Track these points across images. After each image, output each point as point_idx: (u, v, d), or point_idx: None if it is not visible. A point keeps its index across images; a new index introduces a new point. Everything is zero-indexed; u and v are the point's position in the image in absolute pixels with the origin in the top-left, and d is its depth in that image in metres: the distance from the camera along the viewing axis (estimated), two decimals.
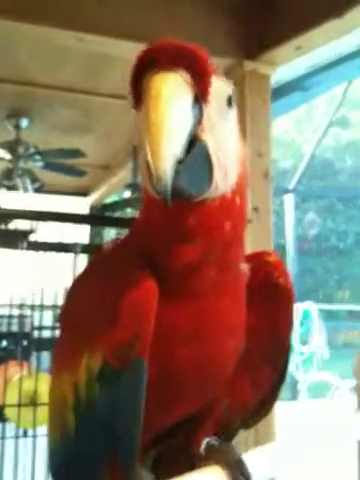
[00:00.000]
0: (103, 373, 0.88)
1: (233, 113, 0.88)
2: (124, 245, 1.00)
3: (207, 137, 0.82)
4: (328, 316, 12.32)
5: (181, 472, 0.98)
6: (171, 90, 0.77)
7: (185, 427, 1.07)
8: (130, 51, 3.06)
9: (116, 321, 0.87)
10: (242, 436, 1.21)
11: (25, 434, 2.97)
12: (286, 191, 11.63)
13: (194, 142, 0.80)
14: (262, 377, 1.12)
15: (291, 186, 11.83)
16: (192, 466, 1.03)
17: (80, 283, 1.04)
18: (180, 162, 0.77)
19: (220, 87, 0.84)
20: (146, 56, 0.81)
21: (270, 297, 1.07)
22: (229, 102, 0.85)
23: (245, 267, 0.99)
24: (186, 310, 0.91)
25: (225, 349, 0.98)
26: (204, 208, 0.85)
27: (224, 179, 0.85)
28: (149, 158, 0.76)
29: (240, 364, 1.06)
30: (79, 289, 1.02)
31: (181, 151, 0.77)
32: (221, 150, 0.84)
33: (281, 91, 6.41)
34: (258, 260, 1.06)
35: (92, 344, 0.90)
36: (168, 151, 0.75)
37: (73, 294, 1.04)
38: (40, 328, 3.15)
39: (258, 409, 1.16)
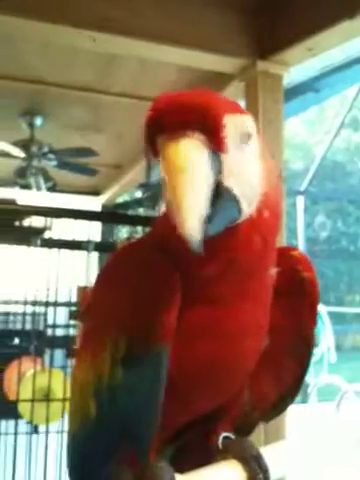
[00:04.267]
0: (126, 358, 0.90)
1: (253, 141, 0.88)
2: (149, 241, 1.01)
3: (230, 181, 0.84)
4: (336, 319, 12.24)
5: (199, 466, 0.99)
6: (186, 159, 0.80)
7: (204, 421, 1.07)
8: (143, 51, 3.09)
9: (141, 308, 0.89)
10: (252, 437, 1.21)
11: (36, 430, 2.99)
12: (297, 193, 11.59)
13: (219, 188, 0.83)
14: (285, 371, 1.13)
15: (302, 188, 11.79)
16: (210, 460, 1.04)
17: (108, 272, 1.06)
18: (208, 212, 0.81)
19: (235, 124, 0.85)
20: (155, 119, 0.83)
21: (295, 291, 1.08)
22: (247, 136, 0.87)
23: (274, 271, 1.00)
24: (209, 310, 0.93)
25: (246, 349, 0.99)
26: (231, 231, 0.87)
27: (249, 205, 0.87)
28: (178, 222, 0.79)
29: (263, 358, 1.06)
30: (106, 277, 1.04)
31: (206, 208, 0.80)
32: (244, 184, 0.86)
33: (293, 92, 6.39)
34: (283, 255, 1.06)
35: (117, 330, 0.92)
36: (194, 218, 0.79)
37: (101, 282, 1.06)
38: (54, 326, 3.17)
39: (278, 402, 1.16)
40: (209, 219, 0.82)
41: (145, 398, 0.89)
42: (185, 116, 0.81)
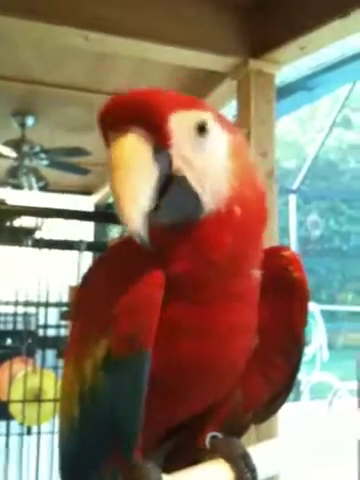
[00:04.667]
0: (106, 362, 0.90)
1: (212, 137, 0.88)
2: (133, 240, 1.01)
3: (183, 171, 0.85)
4: (328, 317, 12.28)
5: (187, 466, 0.98)
6: (125, 155, 0.82)
7: (193, 422, 1.07)
8: (135, 49, 3.08)
9: (121, 312, 0.89)
10: (244, 436, 1.20)
11: (28, 431, 2.97)
12: (289, 192, 11.61)
13: (170, 178, 0.85)
14: (275, 371, 1.12)
15: (294, 187, 11.81)
16: (198, 460, 1.03)
17: (92, 273, 1.06)
18: (159, 199, 0.83)
19: (186, 120, 0.86)
20: (103, 116, 0.86)
21: (285, 291, 1.07)
22: (201, 129, 0.87)
23: (257, 273, 0.98)
24: (192, 310, 0.92)
25: (234, 348, 0.99)
26: (198, 226, 0.88)
27: (213, 198, 0.87)
28: (120, 216, 0.82)
29: (253, 358, 1.06)
30: (91, 279, 1.04)
31: (150, 202, 0.82)
32: (202, 176, 0.87)
33: (285, 91, 6.39)
34: (273, 255, 1.06)
35: (98, 333, 0.91)
36: (133, 212, 0.80)
37: (85, 283, 1.06)
38: (45, 326, 3.15)
39: (270, 403, 1.15)
40: (161, 206, 0.84)
41: (127, 401, 0.89)
42: (129, 113, 0.83)
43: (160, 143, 0.84)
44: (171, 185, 0.85)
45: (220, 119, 0.92)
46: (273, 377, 1.12)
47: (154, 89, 0.87)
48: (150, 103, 0.84)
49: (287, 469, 1.19)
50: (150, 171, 0.82)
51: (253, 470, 0.99)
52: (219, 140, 0.90)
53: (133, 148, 0.82)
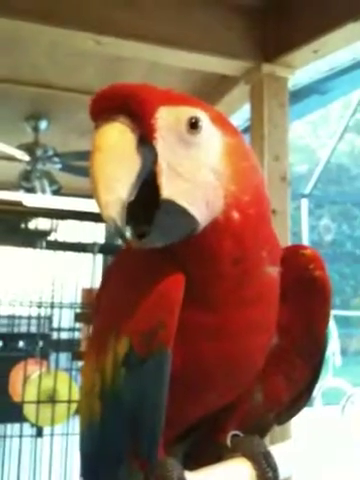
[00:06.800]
0: (128, 359, 0.89)
1: (204, 135, 0.86)
2: None
3: (171, 189, 0.82)
4: (342, 322, 12.20)
5: (209, 464, 0.98)
6: (106, 139, 0.81)
7: (213, 420, 1.07)
8: (147, 54, 3.09)
9: (142, 309, 0.88)
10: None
11: (40, 433, 2.98)
12: (301, 196, 11.57)
13: (159, 200, 0.82)
14: (296, 372, 1.11)
15: (306, 191, 11.77)
16: (219, 458, 1.03)
17: (112, 272, 1.06)
18: (149, 219, 0.81)
19: (176, 115, 0.85)
20: (91, 107, 0.85)
21: (306, 290, 1.06)
22: (193, 125, 0.85)
23: (275, 270, 0.97)
24: (207, 311, 0.92)
25: (250, 347, 0.98)
26: (195, 237, 0.86)
27: (207, 208, 0.85)
28: (96, 203, 0.80)
29: (274, 358, 1.06)
30: (111, 278, 1.04)
31: (129, 193, 0.79)
32: (192, 185, 0.84)
33: (297, 95, 6.36)
34: (294, 253, 1.05)
35: (119, 330, 0.91)
36: (108, 198, 0.78)
37: (105, 283, 1.06)
38: (59, 329, 3.16)
39: (292, 405, 1.15)
40: (160, 231, 0.82)
41: (148, 400, 0.88)
42: (115, 102, 0.82)
43: (145, 135, 0.82)
44: (159, 210, 0.82)
45: (218, 119, 0.89)
46: (294, 378, 1.11)
47: (146, 84, 0.86)
48: (137, 94, 0.83)
49: (300, 472, 1.19)
50: (131, 159, 0.80)
51: (275, 469, 0.99)
52: (213, 139, 0.87)
53: (116, 135, 0.81)
